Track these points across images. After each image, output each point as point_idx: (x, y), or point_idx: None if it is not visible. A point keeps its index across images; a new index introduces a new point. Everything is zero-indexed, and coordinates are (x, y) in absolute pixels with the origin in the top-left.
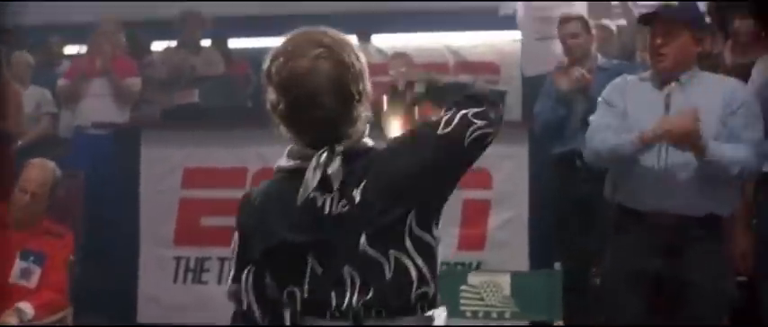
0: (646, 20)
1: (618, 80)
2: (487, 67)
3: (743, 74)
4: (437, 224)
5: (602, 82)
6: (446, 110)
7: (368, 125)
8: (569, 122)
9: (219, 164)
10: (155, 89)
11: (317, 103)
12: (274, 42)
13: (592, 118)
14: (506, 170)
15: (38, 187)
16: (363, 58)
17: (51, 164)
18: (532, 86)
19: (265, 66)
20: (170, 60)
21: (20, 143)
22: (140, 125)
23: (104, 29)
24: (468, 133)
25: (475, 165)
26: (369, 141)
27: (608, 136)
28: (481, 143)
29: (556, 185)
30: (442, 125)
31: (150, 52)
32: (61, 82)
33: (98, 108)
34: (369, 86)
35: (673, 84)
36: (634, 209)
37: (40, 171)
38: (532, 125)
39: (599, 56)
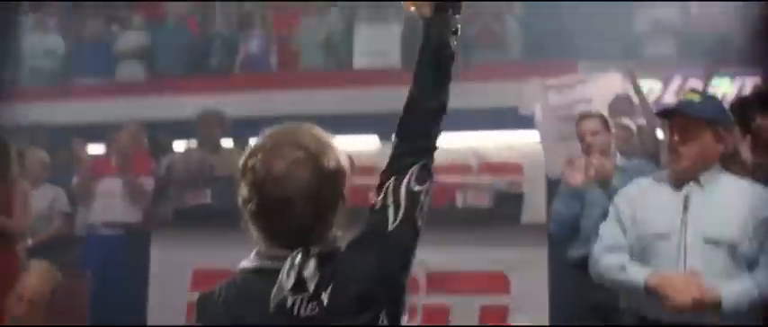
0: (664, 114)
1: (630, 186)
2: (511, 169)
3: (764, 174)
4: (405, 310)
5: (621, 183)
6: (389, 167)
7: (342, 229)
8: (585, 222)
9: (230, 266)
10: (172, 189)
11: (290, 209)
12: None
13: (601, 227)
14: (525, 274)
15: (35, 295)
16: (346, 161)
17: (51, 270)
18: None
19: (242, 159)
20: (189, 160)
21: (30, 242)
22: (150, 226)
23: (126, 128)
24: (417, 210)
25: (492, 269)
26: (340, 244)
27: (613, 263)
28: (427, 209)
29: (573, 290)
30: (390, 217)
31: (172, 151)
32: (76, 179)
33: (111, 207)
34: (347, 191)
35: (691, 185)
36: (653, 320)
37: (38, 278)
38: (549, 226)
39: (618, 155)
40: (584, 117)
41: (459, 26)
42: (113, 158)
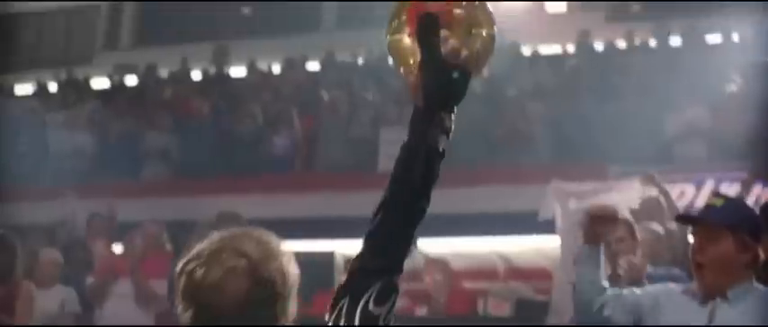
0: (683, 220)
1: (657, 285)
2: (539, 274)
3: None
4: None
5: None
6: (347, 281)
7: None
8: None
9: None
10: None
11: (222, 322)
12: (316, 245)
13: None
14: None
15: None
16: (294, 273)
17: None
18: None
19: (180, 264)
20: None
21: None
22: None
23: (141, 230)
24: None
25: None
26: None
27: None
28: None
29: None
30: None
31: None
32: (90, 280)
33: (124, 309)
34: (292, 307)
35: (718, 300)
36: None
37: None
38: None
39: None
40: None
41: (452, 126)
42: (126, 258)
